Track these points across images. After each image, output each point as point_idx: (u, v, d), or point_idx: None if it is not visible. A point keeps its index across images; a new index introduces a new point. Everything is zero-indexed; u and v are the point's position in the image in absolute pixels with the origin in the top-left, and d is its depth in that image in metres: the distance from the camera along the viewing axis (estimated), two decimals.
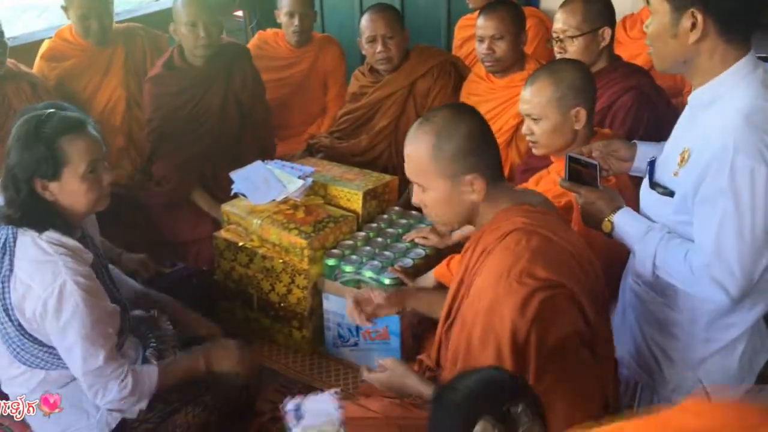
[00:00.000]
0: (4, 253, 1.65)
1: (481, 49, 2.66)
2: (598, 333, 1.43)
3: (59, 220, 1.69)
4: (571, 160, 1.64)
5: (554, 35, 2.32)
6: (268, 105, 3.01)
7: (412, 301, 1.83)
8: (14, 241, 1.65)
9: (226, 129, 2.79)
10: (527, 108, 1.96)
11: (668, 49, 1.45)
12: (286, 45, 3.35)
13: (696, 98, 1.50)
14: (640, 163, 1.76)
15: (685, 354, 1.62)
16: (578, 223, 1.78)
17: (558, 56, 2.33)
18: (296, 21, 3.24)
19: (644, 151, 1.75)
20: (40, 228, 1.66)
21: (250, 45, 3.35)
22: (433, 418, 1.12)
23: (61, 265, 1.61)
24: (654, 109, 2.22)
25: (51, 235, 1.66)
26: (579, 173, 1.63)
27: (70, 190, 1.67)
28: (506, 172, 2.69)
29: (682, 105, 1.59)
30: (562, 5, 2.31)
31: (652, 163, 1.61)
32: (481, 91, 2.77)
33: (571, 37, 2.26)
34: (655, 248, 1.49)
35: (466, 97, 2.86)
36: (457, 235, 2.33)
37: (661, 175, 1.56)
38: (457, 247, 2.11)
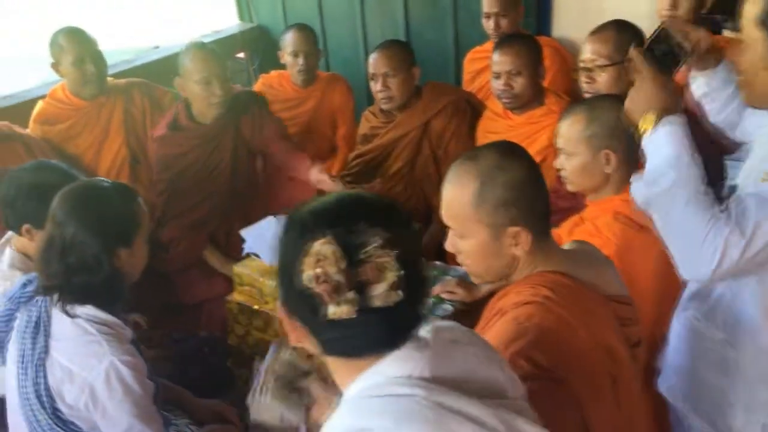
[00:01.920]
0: (37, 333, 1.54)
1: (498, 85, 2.54)
2: None
3: (121, 294, 1.61)
4: (662, 34, 1.44)
5: (581, 65, 2.18)
6: (286, 136, 2.82)
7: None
8: (49, 320, 1.55)
9: (237, 184, 2.65)
10: (559, 141, 1.83)
11: (761, 81, 1.30)
12: (292, 85, 3.25)
13: None
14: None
15: (748, 397, 1.46)
16: (619, 256, 1.63)
17: (585, 86, 2.20)
18: (301, 60, 3.15)
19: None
20: (102, 303, 1.56)
21: (255, 90, 3.26)
22: (280, 237, 0.94)
23: (105, 344, 1.52)
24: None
25: (89, 312, 1.55)
26: (661, 52, 1.43)
27: (138, 255, 1.62)
28: None
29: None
30: (592, 33, 2.18)
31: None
32: (499, 129, 2.64)
33: (601, 67, 2.12)
34: (686, 186, 1.30)
35: (483, 134, 2.73)
36: (486, 288, 2.19)
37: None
38: (487, 300, 1.97)
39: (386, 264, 0.86)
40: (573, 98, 2.71)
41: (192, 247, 2.60)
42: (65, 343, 1.53)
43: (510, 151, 1.33)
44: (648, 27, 3.05)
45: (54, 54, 2.71)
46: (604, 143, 1.76)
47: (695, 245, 1.29)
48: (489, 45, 3.17)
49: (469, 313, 2.01)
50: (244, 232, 2.27)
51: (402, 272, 0.86)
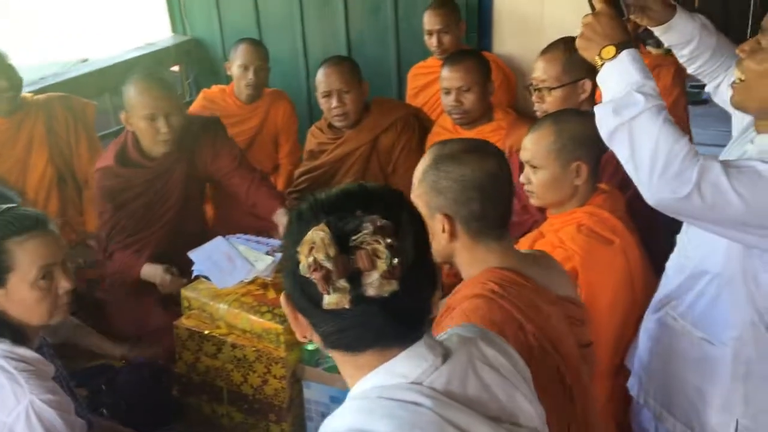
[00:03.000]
0: None
1: (448, 101, 2.54)
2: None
3: (10, 330, 1.48)
4: None
5: (533, 83, 2.20)
6: (247, 166, 2.58)
7: None
8: None
9: (185, 220, 2.48)
10: (526, 155, 1.82)
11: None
12: (235, 101, 3.14)
13: None
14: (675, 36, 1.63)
15: (725, 395, 1.48)
16: (583, 267, 1.66)
17: (536, 105, 2.22)
18: (250, 75, 3.04)
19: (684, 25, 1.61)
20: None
21: (196, 105, 3.14)
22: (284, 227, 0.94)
23: (23, 383, 1.40)
24: None
25: (5, 347, 1.44)
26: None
27: (19, 298, 1.48)
28: None
29: None
30: (543, 53, 2.18)
31: None
32: None
33: (549, 89, 2.14)
34: (658, 109, 1.30)
35: None
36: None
37: None
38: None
39: (378, 251, 0.81)
40: (517, 113, 2.76)
41: (130, 282, 2.41)
42: None
43: (474, 148, 1.34)
44: None
45: None
46: (574, 155, 1.76)
47: (675, 160, 1.27)
48: (432, 61, 3.19)
49: None
50: (193, 254, 2.17)
51: (396, 261, 0.81)
